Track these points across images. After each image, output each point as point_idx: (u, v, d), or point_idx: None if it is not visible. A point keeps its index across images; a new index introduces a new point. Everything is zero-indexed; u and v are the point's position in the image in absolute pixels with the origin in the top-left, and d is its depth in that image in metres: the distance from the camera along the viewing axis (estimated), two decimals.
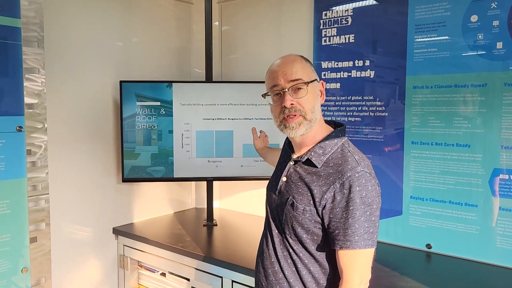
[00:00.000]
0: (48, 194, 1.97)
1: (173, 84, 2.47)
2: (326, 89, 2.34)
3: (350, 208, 1.23)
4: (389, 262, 1.96)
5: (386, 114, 2.17)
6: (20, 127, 1.83)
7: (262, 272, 1.43)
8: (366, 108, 2.23)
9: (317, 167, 1.31)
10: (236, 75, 2.78)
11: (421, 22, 2.03)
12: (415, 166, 2.09)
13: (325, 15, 2.33)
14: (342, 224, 1.24)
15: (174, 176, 2.52)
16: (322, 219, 1.28)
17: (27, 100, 1.86)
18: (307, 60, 1.37)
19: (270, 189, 1.47)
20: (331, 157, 1.32)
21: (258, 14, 2.67)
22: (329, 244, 1.30)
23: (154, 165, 2.48)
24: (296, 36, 2.49)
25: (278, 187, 1.40)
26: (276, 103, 1.34)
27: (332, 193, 1.26)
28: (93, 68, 2.38)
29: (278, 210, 1.38)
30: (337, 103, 2.31)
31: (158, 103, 2.46)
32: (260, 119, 2.49)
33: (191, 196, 2.99)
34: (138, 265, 2.50)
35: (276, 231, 1.40)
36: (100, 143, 2.44)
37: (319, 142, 1.34)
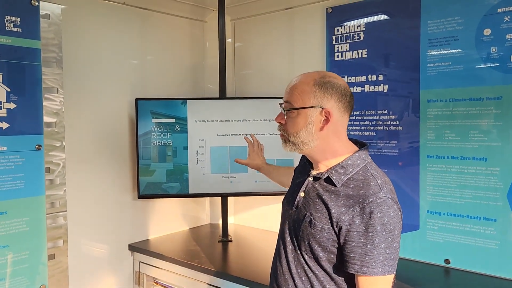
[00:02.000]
0: (66, 211, 2.00)
1: (188, 101, 2.51)
2: None
3: (370, 234, 1.21)
4: (407, 278, 1.93)
5: (401, 128, 2.16)
6: (39, 145, 1.87)
7: None
8: (380, 123, 2.22)
9: (336, 186, 1.29)
10: (249, 91, 2.81)
11: (434, 36, 2.03)
12: (432, 180, 2.07)
13: (337, 30, 2.35)
14: (359, 249, 1.22)
15: (189, 192, 2.53)
16: (338, 239, 1.27)
17: (46, 119, 1.91)
18: (319, 84, 1.29)
19: (287, 204, 1.45)
20: (352, 177, 1.29)
21: (270, 31, 2.70)
22: (343, 262, 1.28)
23: (169, 182, 2.50)
24: (309, 51, 2.51)
25: (296, 202, 1.38)
26: None
27: (351, 216, 1.23)
28: (110, 87, 2.42)
29: (295, 226, 1.36)
30: (350, 118, 2.31)
31: (173, 120, 2.49)
32: (274, 134, 2.50)
33: (205, 212, 3.00)
34: (154, 282, 2.50)
35: (291, 247, 1.37)
36: (116, 160, 2.47)
37: (342, 161, 1.32)
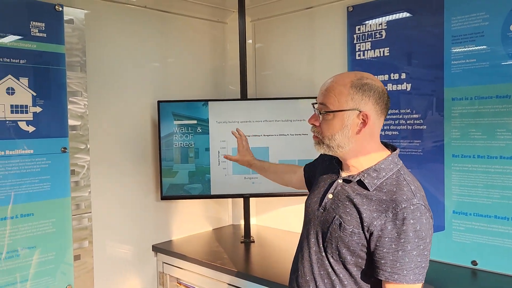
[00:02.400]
0: (90, 212, 2.04)
1: (209, 102, 2.52)
2: None
3: (402, 241, 1.19)
4: (433, 279, 1.89)
5: (424, 127, 2.12)
6: (65, 148, 1.91)
7: None
8: (403, 122, 2.19)
9: (368, 190, 1.27)
10: (270, 92, 2.80)
11: (458, 33, 1.99)
12: (457, 179, 2.02)
13: (359, 29, 2.32)
14: (391, 255, 1.20)
15: (211, 193, 2.54)
16: (369, 245, 1.24)
17: (71, 122, 1.95)
18: (357, 86, 1.26)
19: (313, 204, 1.41)
20: (385, 182, 1.27)
21: (290, 31, 2.69)
22: (372, 268, 1.25)
23: (192, 183, 2.52)
24: (330, 51, 2.49)
25: (323, 204, 1.35)
26: None
27: (383, 221, 1.21)
28: (132, 89, 2.45)
29: (322, 227, 1.34)
30: None
31: (195, 122, 2.51)
32: (295, 135, 2.49)
33: (228, 213, 3.01)
34: (177, 282, 2.52)
35: (315, 249, 1.35)
36: (139, 162, 2.50)
37: (375, 165, 1.29)
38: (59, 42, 1.88)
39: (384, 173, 1.27)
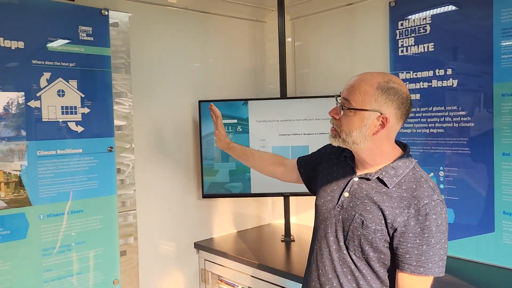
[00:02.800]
0: (135, 210, 2.09)
1: (249, 101, 2.53)
2: None
3: (425, 235, 1.23)
4: (482, 283, 1.82)
5: (472, 124, 2.04)
6: (111, 147, 1.97)
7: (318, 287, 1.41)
8: (449, 119, 2.11)
9: (388, 188, 1.30)
10: (310, 90, 2.79)
11: (508, 25, 1.90)
12: (508, 179, 1.93)
13: (401, 24, 2.26)
14: (415, 249, 1.24)
15: (252, 192, 2.56)
16: (391, 240, 1.28)
17: (116, 122, 2.01)
18: (383, 88, 1.27)
19: (327, 203, 1.42)
20: (403, 179, 1.30)
21: (330, 28, 2.66)
22: (394, 262, 1.30)
23: (232, 181, 2.54)
24: (371, 48, 2.45)
25: (340, 202, 1.38)
26: None
27: (406, 218, 1.25)
28: (174, 90, 2.51)
29: (343, 226, 1.36)
30: (417, 115, 2.22)
31: (235, 121, 2.53)
32: None
33: (268, 212, 3.02)
34: (219, 280, 2.55)
35: (335, 247, 1.37)
36: (181, 160, 2.55)
37: (392, 163, 1.32)
38: (105, 45, 1.94)
39: (401, 171, 1.31)
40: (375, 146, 1.31)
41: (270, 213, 3.02)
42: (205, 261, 2.55)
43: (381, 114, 1.27)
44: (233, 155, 1.90)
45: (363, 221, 1.30)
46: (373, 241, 1.28)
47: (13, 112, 1.71)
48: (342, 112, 1.31)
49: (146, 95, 2.37)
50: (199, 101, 2.52)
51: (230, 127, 2.53)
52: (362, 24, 2.49)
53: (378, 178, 1.32)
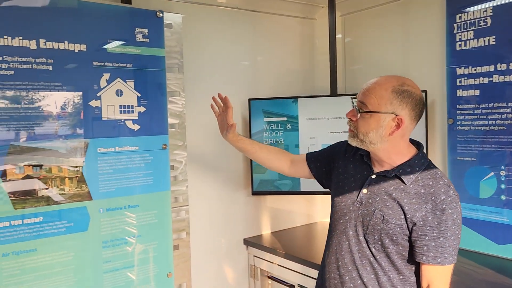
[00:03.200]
0: (187, 205, 2.15)
1: (299, 99, 2.53)
2: (460, 96, 2.19)
3: (442, 229, 1.33)
4: None
5: None
6: (165, 145, 2.04)
7: (337, 279, 1.48)
8: None
9: (405, 184, 1.38)
10: (360, 87, 2.73)
11: None
12: None
13: (460, 18, 2.17)
14: (432, 242, 1.34)
15: (301, 190, 2.55)
16: (410, 233, 1.37)
17: (170, 120, 2.07)
18: (397, 92, 1.35)
19: (346, 199, 1.49)
20: (420, 176, 1.38)
21: (382, 23, 2.60)
22: (412, 253, 1.39)
23: (282, 179, 2.55)
24: (425, 42, 2.37)
25: (359, 199, 1.45)
26: None
27: (424, 213, 1.34)
28: (224, 88, 2.51)
29: (363, 221, 1.43)
30: (476, 111, 2.13)
31: (285, 119, 2.54)
32: None
33: (317, 210, 3.00)
34: (268, 276, 2.57)
35: (354, 240, 1.45)
36: (231, 158, 2.59)
37: (408, 161, 1.40)
38: (160, 46, 2.01)
39: (417, 168, 1.39)
40: (391, 145, 1.39)
41: (319, 211, 3.00)
42: (254, 257, 2.58)
43: (396, 115, 1.35)
44: (241, 148, 1.82)
45: (383, 216, 1.38)
46: (393, 235, 1.37)
47: (75, 111, 1.80)
48: (359, 115, 1.39)
49: (197, 93, 2.42)
50: (249, 99, 2.54)
51: (279, 125, 2.54)
52: (416, 18, 2.42)
53: (395, 175, 1.40)
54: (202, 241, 2.46)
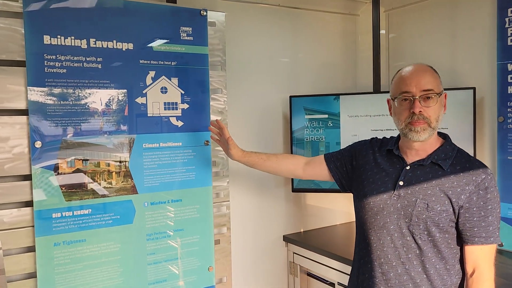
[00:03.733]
0: (228, 201, 2.18)
1: (340, 96, 2.50)
2: (511, 93, 2.11)
3: (489, 208, 1.35)
4: None
5: None
6: (207, 141, 2.07)
7: (380, 277, 1.46)
8: None
9: (443, 169, 1.40)
10: None
11: None
12: None
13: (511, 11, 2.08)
14: (482, 222, 1.35)
15: None
16: (457, 218, 1.38)
17: (212, 117, 2.10)
18: (436, 72, 1.45)
19: (381, 194, 1.47)
20: (454, 160, 1.41)
21: (428, 18, 2.53)
22: (456, 241, 1.41)
23: None
24: (474, 38, 2.29)
25: (396, 191, 1.44)
26: (403, 107, 1.41)
27: (468, 194, 1.35)
28: (265, 85, 2.56)
29: (404, 212, 1.41)
30: None
31: (326, 116, 2.52)
32: None
33: None
34: (307, 273, 2.57)
35: (397, 234, 1.43)
36: None
37: (440, 147, 1.44)
38: (203, 44, 2.04)
39: (450, 153, 1.43)
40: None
41: None
42: (294, 254, 2.59)
43: (445, 93, 1.45)
44: (249, 162, 1.86)
45: (427, 204, 1.38)
46: (440, 221, 1.37)
47: (122, 108, 1.87)
48: (423, 103, 1.38)
49: (239, 91, 2.45)
50: (290, 96, 2.54)
51: (320, 122, 2.53)
52: (464, 13, 2.34)
53: (431, 162, 1.42)
54: (242, 237, 2.49)
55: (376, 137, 1.65)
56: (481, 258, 1.38)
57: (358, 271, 1.56)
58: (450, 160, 1.41)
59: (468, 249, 1.39)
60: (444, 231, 1.39)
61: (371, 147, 1.60)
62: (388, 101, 1.52)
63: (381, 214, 1.46)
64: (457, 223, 1.39)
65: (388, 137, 1.61)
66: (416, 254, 1.41)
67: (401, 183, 1.44)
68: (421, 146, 1.44)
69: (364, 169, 1.57)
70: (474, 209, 1.35)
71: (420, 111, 1.38)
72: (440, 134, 1.50)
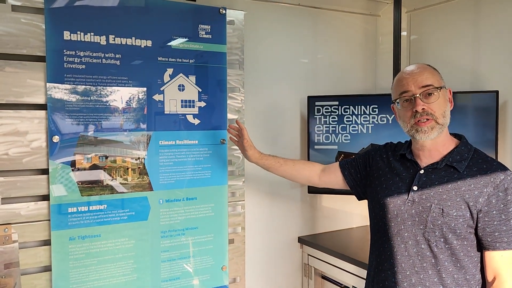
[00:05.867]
0: (244, 201, 2.17)
1: (359, 98, 2.47)
2: None
3: (510, 210, 1.28)
4: None
5: None
6: (224, 140, 2.07)
7: (393, 287, 1.40)
8: None
9: (459, 172, 1.33)
10: None
11: None
12: None
13: None
14: (503, 225, 1.28)
15: None
16: (476, 223, 1.31)
17: (229, 116, 2.10)
18: (435, 68, 1.42)
19: (395, 201, 1.42)
20: (470, 162, 1.35)
21: (451, 20, 2.48)
22: (476, 248, 1.33)
23: None
24: (498, 40, 2.23)
25: (410, 197, 1.39)
26: (406, 108, 1.38)
27: (486, 197, 1.28)
28: (283, 85, 2.54)
29: (419, 219, 1.36)
30: None
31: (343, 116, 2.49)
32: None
33: None
34: (322, 276, 2.54)
35: (411, 242, 1.37)
36: (289, 155, 2.55)
37: (455, 148, 1.38)
38: (222, 42, 2.04)
39: (466, 154, 1.36)
40: (446, 129, 1.38)
41: None
42: (309, 256, 2.56)
43: (446, 88, 1.40)
44: (266, 164, 1.84)
45: (442, 209, 1.32)
46: (456, 227, 1.31)
47: (139, 106, 1.87)
48: (425, 100, 1.35)
49: (257, 90, 2.43)
50: (308, 97, 2.52)
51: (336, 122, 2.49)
52: (488, 14, 2.28)
53: (446, 165, 1.36)
54: (257, 237, 2.48)
55: (390, 142, 1.62)
56: (503, 265, 1.30)
57: (373, 280, 1.51)
58: (466, 161, 1.35)
59: (488, 255, 1.32)
60: (462, 237, 1.32)
61: (385, 152, 1.57)
62: (392, 107, 1.48)
63: (395, 221, 1.42)
64: (476, 229, 1.32)
65: (403, 141, 1.57)
66: (431, 263, 1.35)
67: (415, 188, 1.39)
68: (432, 145, 1.39)
69: (378, 174, 1.54)
70: (494, 212, 1.28)
71: (423, 108, 1.34)
72: (455, 135, 1.45)
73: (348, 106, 2.47)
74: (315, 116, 2.51)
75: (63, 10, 1.72)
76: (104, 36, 1.79)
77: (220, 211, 2.07)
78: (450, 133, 1.44)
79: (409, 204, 1.39)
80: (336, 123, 2.49)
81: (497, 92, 2.14)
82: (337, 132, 2.49)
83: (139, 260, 1.89)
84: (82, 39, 1.75)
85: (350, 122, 2.47)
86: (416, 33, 2.71)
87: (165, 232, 1.95)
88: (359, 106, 2.45)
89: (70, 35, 1.73)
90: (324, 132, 2.50)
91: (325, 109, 2.49)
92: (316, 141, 2.52)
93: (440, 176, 1.36)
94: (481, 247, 1.35)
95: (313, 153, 2.52)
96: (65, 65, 1.73)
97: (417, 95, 1.35)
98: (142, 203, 1.90)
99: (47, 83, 1.70)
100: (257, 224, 2.48)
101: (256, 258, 2.48)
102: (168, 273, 1.96)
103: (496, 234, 1.29)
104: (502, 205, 1.28)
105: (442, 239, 1.33)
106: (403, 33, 2.69)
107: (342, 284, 2.39)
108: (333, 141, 2.50)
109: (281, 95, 2.53)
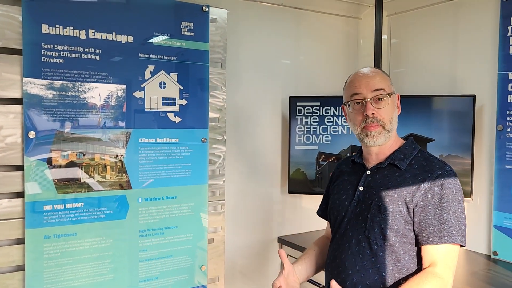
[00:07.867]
0: (224, 200, 2.16)
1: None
2: (511, 102, 2.10)
3: (444, 205, 1.29)
4: None
5: None
6: (205, 138, 2.05)
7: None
8: None
9: (401, 170, 1.37)
10: (405, 89, 2.66)
11: None
12: None
13: None
14: (437, 220, 1.29)
15: None
16: (413, 219, 1.32)
17: (210, 114, 2.08)
18: (387, 74, 1.44)
19: (342, 203, 1.46)
20: (413, 160, 1.38)
21: (430, 24, 2.52)
22: (415, 246, 1.34)
23: (317, 182, 2.51)
24: (476, 45, 2.28)
25: (356, 197, 1.42)
26: (356, 111, 1.39)
27: (423, 192, 1.31)
28: (265, 85, 2.54)
29: (361, 217, 1.39)
30: None
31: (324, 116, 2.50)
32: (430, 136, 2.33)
33: None
34: None
35: (354, 241, 1.39)
36: (269, 154, 2.58)
37: (399, 148, 1.41)
38: (204, 40, 2.02)
39: (409, 153, 1.40)
40: (395, 131, 1.41)
41: None
42: (288, 256, 2.55)
43: (395, 93, 1.41)
44: (311, 272, 1.62)
45: (379, 205, 1.34)
46: (394, 223, 1.32)
47: (119, 101, 1.84)
48: (374, 105, 1.36)
49: (239, 89, 2.43)
50: (290, 97, 2.52)
51: (317, 122, 2.51)
52: (467, 20, 2.32)
53: (389, 163, 1.39)
54: (237, 237, 2.47)
55: (351, 153, 1.63)
56: (438, 259, 1.29)
57: (325, 281, 1.52)
58: (408, 160, 1.38)
59: (424, 249, 1.31)
60: (400, 234, 1.32)
61: (344, 162, 1.61)
62: (343, 108, 1.48)
63: (343, 222, 1.44)
64: (414, 225, 1.32)
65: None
66: (371, 262, 1.35)
67: (361, 188, 1.42)
68: (379, 150, 1.42)
69: (335, 185, 1.57)
70: (429, 207, 1.30)
71: (373, 113, 1.36)
72: (405, 138, 1.47)
73: (329, 107, 2.49)
74: (296, 117, 2.52)
75: (41, 2, 1.67)
76: (84, 31, 1.75)
77: (199, 211, 2.05)
78: (402, 137, 1.47)
79: (355, 204, 1.42)
80: (317, 123, 2.50)
81: (474, 96, 2.19)
82: (318, 132, 2.50)
83: (116, 260, 1.86)
84: (61, 33, 1.71)
85: (331, 123, 2.49)
86: (396, 36, 2.75)
87: (143, 231, 1.92)
88: (340, 108, 2.47)
89: (48, 28, 1.69)
90: (305, 132, 2.51)
91: (307, 109, 2.50)
92: (297, 141, 2.52)
93: (383, 175, 1.39)
94: (417, 242, 1.34)
95: (294, 153, 2.53)
96: (42, 59, 1.68)
97: (368, 100, 1.36)
98: (120, 202, 1.86)
99: (24, 78, 1.65)
100: (237, 224, 2.47)
101: (236, 257, 2.47)
102: (146, 273, 1.93)
103: (430, 229, 1.29)
104: (438, 200, 1.30)
105: (381, 236, 1.33)
106: (384, 37, 2.72)
107: (320, 284, 2.40)
108: (314, 141, 2.51)
109: (262, 95, 2.53)
